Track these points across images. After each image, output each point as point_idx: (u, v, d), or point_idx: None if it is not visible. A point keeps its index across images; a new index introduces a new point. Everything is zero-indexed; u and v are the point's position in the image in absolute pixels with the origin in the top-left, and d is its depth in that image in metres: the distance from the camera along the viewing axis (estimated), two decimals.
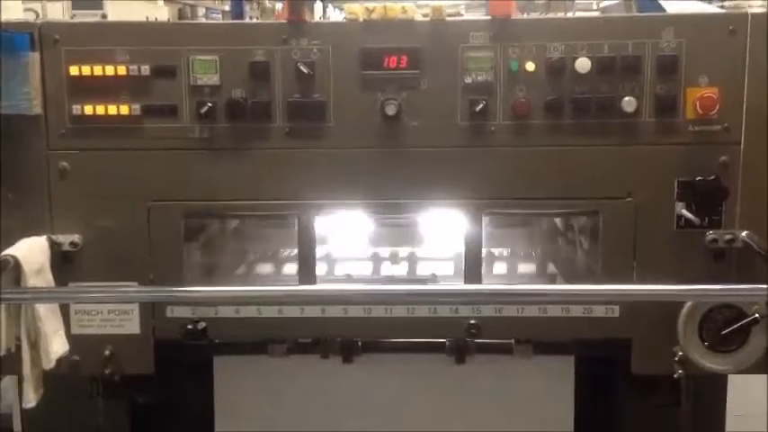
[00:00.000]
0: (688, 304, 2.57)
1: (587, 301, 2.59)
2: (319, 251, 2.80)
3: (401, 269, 2.96)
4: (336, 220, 2.90)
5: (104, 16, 5.19)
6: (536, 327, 2.68)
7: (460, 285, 2.68)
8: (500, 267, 3.07)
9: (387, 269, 2.93)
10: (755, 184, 2.58)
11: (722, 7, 3.44)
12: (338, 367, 2.85)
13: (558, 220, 3.17)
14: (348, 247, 3.13)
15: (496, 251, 3.16)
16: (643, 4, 3.03)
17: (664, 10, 3.00)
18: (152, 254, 2.65)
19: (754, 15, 2.55)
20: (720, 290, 2.39)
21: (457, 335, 2.72)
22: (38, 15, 5.16)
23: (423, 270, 2.92)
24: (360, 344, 2.83)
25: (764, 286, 2.32)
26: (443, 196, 2.64)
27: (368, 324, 2.68)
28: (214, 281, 3.02)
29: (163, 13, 15.42)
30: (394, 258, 3.09)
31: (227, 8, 20.74)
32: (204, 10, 20.44)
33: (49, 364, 2.50)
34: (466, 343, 2.80)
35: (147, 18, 14.13)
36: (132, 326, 2.68)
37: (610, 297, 2.56)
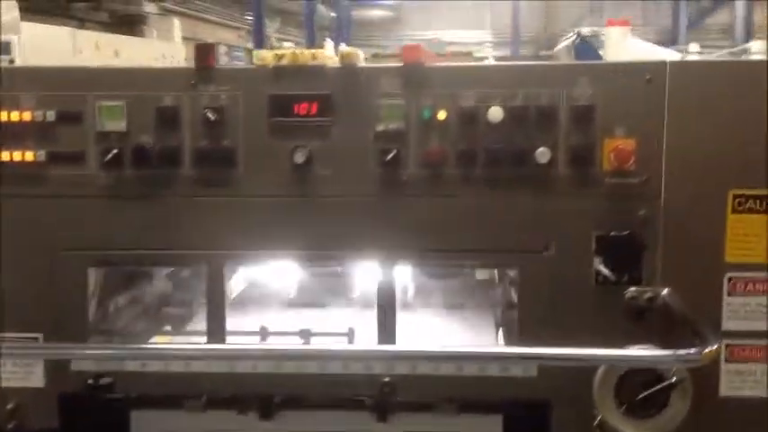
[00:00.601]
0: (603, 366, 2.46)
1: (491, 361, 2.49)
2: (238, 302, 2.73)
3: (319, 323, 2.87)
4: (258, 269, 2.82)
5: (12, 61, 5.13)
6: (452, 385, 2.58)
7: (366, 345, 2.60)
8: (425, 319, 2.97)
9: (305, 322, 2.84)
10: (677, 238, 2.48)
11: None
12: (257, 423, 2.76)
13: (496, 271, 3.08)
14: (268, 297, 3.05)
15: (424, 303, 3.06)
16: (580, 50, 2.95)
17: (600, 57, 2.92)
18: (57, 305, 2.58)
19: (672, 63, 2.47)
20: (627, 356, 2.30)
21: (372, 393, 2.62)
22: None
23: (342, 323, 2.82)
24: (278, 400, 2.73)
25: (678, 351, 2.25)
26: (355, 247, 2.56)
27: (278, 380, 2.60)
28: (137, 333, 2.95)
29: (180, 52, 15.56)
30: (313, 311, 3.00)
31: (249, 45, 20.96)
32: (227, 48, 20.67)
33: None
34: (387, 400, 2.69)
35: (163, 56, 14.28)
36: (36, 379, 2.62)
37: (512, 359, 2.46)
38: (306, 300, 3.08)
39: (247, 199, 2.55)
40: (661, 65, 2.46)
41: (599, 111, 2.45)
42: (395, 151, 2.49)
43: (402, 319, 2.76)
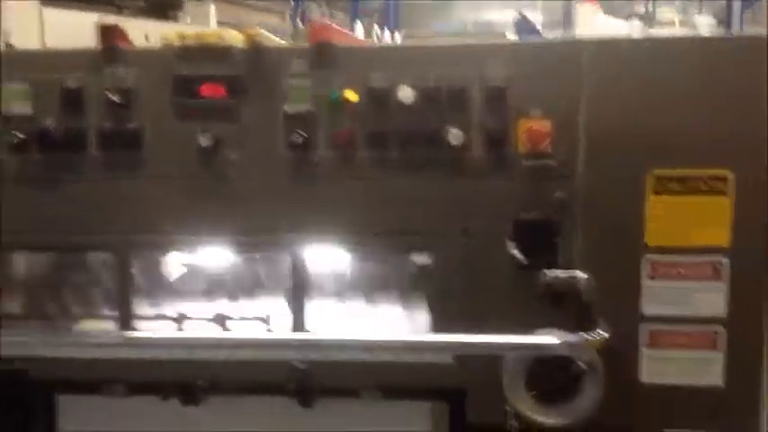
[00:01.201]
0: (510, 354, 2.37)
1: (388, 349, 2.42)
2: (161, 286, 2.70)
3: (239, 308, 2.80)
4: (181, 253, 2.78)
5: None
6: (368, 372, 2.52)
7: (276, 333, 2.56)
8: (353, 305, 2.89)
9: (224, 308, 2.78)
10: (595, 221, 2.38)
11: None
12: (180, 409, 2.71)
13: None
14: (189, 281, 2.98)
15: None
16: (520, 27, 2.85)
17: (540, 35, 2.82)
18: None
19: (589, 42, 2.36)
20: (512, 343, 2.25)
21: (288, 378, 2.56)
22: None
23: (263, 308, 2.76)
24: (200, 385, 2.67)
25: (567, 338, 2.18)
26: (266, 230, 2.50)
27: (200, 366, 2.56)
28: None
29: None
30: (234, 296, 2.92)
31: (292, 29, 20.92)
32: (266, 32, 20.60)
33: None
34: (307, 387, 2.62)
35: None
36: None
37: (414, 348, 2.40)
38: (234, 285, 3.01)
39: (154, 182, 2.49)
40: (577, 44, 2.36)
41: (513, 91, 2.35)
42: (304, 133, 2.42)
43: (329, 305, 2.70)
